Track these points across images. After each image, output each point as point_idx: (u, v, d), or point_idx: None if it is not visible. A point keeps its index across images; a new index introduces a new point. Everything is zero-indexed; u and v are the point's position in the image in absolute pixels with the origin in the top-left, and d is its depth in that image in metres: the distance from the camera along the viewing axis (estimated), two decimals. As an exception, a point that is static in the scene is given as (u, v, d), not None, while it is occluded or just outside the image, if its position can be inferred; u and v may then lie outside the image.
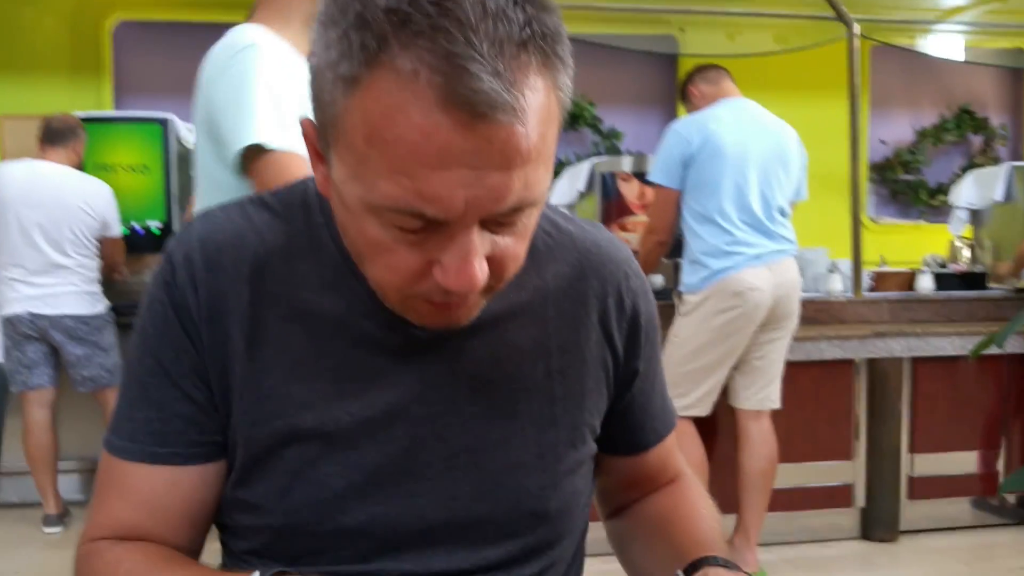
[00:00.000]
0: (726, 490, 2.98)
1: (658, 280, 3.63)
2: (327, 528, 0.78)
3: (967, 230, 4.69)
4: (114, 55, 4.91)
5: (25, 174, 3.53)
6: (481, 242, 0.67)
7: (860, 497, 3.54)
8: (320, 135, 0.70)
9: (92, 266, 3.60)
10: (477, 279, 0.67)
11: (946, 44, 5.79)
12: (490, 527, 0.82)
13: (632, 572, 0.97)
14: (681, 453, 1.02)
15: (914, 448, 3.57)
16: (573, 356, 0.85)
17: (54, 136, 3.60)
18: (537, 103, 0.63)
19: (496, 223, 0.67)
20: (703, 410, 3.00)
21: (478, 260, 0.66)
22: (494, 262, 0.69)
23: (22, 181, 3.51)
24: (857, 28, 3.78)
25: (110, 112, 4.69)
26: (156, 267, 0.81)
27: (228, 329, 0.77)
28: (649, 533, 0.95)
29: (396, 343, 0.79)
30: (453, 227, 0.65)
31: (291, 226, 0.81)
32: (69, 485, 3.84)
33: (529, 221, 0.70)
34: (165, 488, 0.79)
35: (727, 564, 0.79)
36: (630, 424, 0.93)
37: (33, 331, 3.50)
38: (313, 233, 0.81)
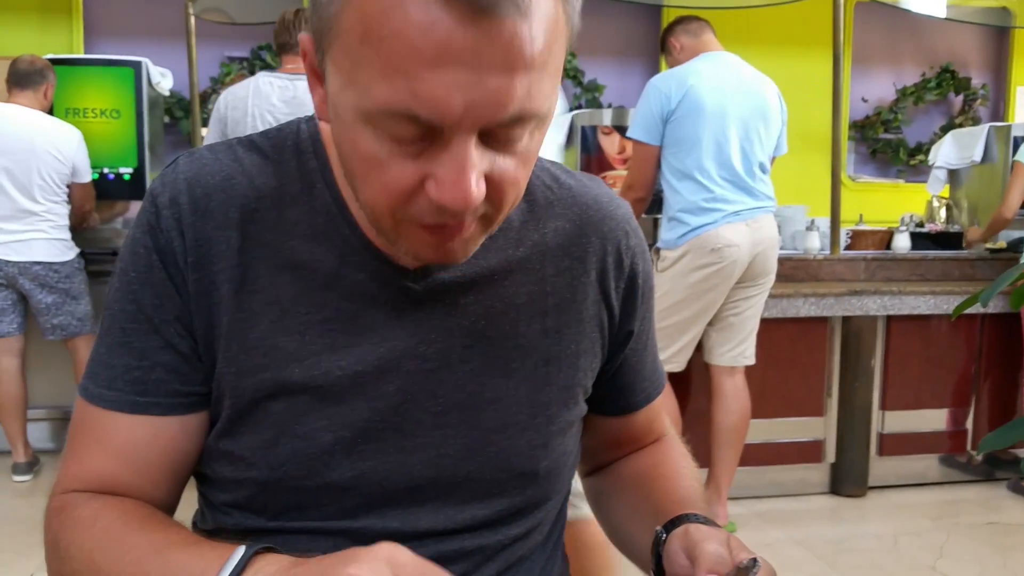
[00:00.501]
0: (698, 445, 3.00)
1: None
2: (313, 483, 0.76)
3: (945, 190, 4.70)
4: (84, -5, 4.78)
5: None
6: (479, 157, 0.63)
7: (830, 453, 3.59)
8: (317, 46, 0.66)
9: (62, 212, 3.53)
10: (472, 194, 0.62)
11: (929, 1, 5.75)
12: (479, 486, 0.80)
13: (610, 529, 0.97)
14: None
15: (885, 405, 3.62)
16: (569, 315, 0.83)
17: (22, 79, 3.50)
18: (544, 7, 0.60)
19: (496, 139, 0.63)
20: (678, 366, 3.01)
21: (474, 174, 0.62)
22: (492, 184, 0.65)
23: None
24: (842, -18, 3.73)
25: (81, 55, 4.57)
26: (140, 208, 0.77)
27: (215, 276, 0.74)
28: (629, 491, 0.94)
29: (389, 296, 0.77)
30: (450, 137, 0.61)
31: (283, 170, 0.78)
32: (38, 433, 3.82)
33: (532, 143, 0.66)
34: (145, 439, 0.76)
35: (706, 521, 0.78)
36: (621, 385, 0.91)
37: (2, 278, 3.44)
38: (306, 178, 0.77)
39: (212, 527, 0.82)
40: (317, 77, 0.69)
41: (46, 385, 3.77)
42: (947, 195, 4.72)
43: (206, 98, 4.88)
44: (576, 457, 0.90)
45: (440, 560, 0.77)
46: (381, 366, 0.77)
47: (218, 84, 4.97)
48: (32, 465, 3.58)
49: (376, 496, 0.78)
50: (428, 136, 0.62)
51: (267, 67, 5.03)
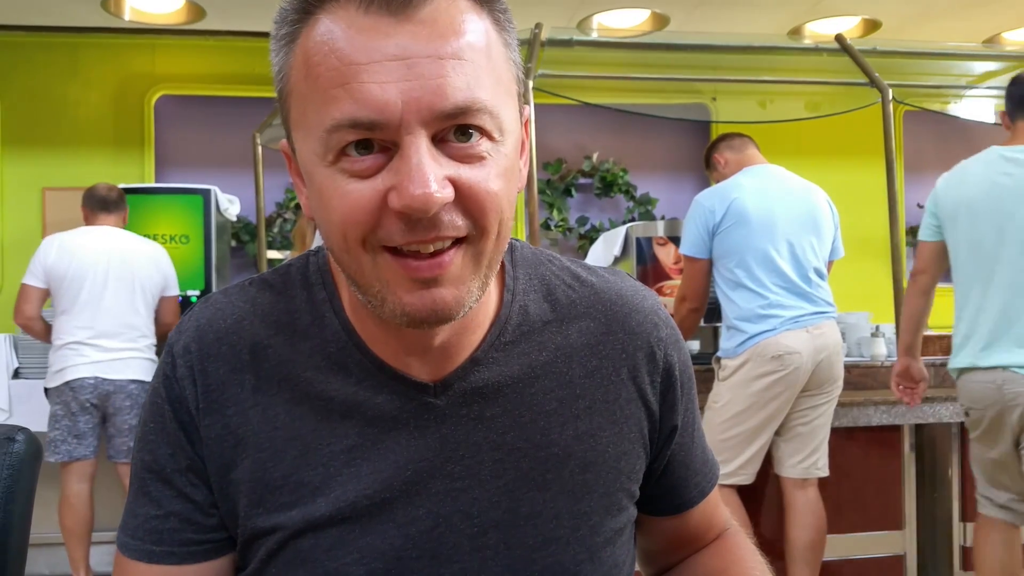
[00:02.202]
0: (773, 563, 2.87)
1: (695, 346, 3.60)
2: None
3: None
4: (156, 128, 5.04)
5: (93, 238, 3.56)
6: (437, 160, 0.65)
7: (912, 568, 3.42)
8: (288, 136, 0.71)
9: (152, 330, 3.61)
10: (431, 187, 0.63)
11: (977, 108, 5.78)
12: None
13: None
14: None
15: (966, 517, 3.46)
16: (603, 417, 0.80)
17: (107, 203, 3.64)
18: (463, 8, 0.66)
19: (452, 145, 0.65)
20: (747, 478, 2.93)
21: (432, 172, 0.63)
22: (463, 193, 0.66)
23: (93, 245, 3.52)
24: (890, 93, 3.78)
25: (152, 184, 4.79)
26: (161, 358, 0.80)
27: (228, 420, 0.75)
28: None
29: (411, 414, 0.75)
30: (401, 143, 0.64)
31: (293, 304, 0.79)
32: (99, 557, 3.81)
33: (500, 156, 0.67)
34: None
35: None
36: (672, 483, 0.88)
37: (94, 398, 3.45)
38: (315, 310, 0.78)
39: None
40: (299, 176, 0.72)
41: (109, 509, 3.79)
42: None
43: (272, 222, 5.05)
44: (631, 567, 0.85)
45: None
46: (408, 490, 0.75)
47: (283, 209, 5.15)
48: (94, 589, 3.57)
49: None
50: (382, 149, 0.65)
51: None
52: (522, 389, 0.78)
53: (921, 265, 2.82)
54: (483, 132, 0.66)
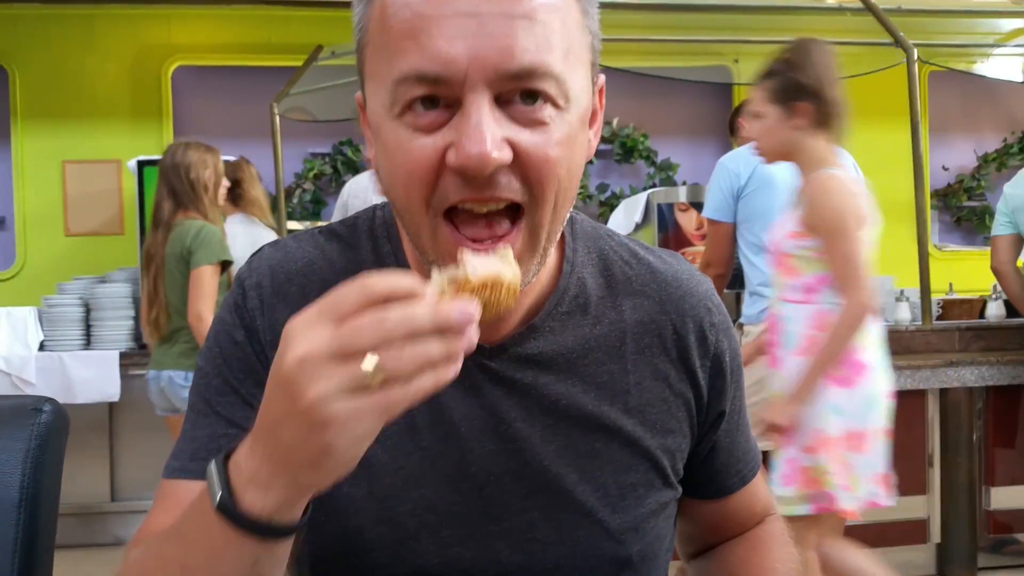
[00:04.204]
0: (796, 527, 2.90)
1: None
2: (400, 570, 0.75)
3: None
4: (173, 99, 5.04)
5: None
6: (498, 121, 0.65)
7: (935, 533, 3.43)
8: (362, 86, 0.72)
9: None
10: (487, 148, 0.63)
11: (1005, 67, 5.68)
12: (569, 573, 0.78)
13: None
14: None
15: (991, 481, 3.46)
16: (652, 394, 0.81)
17: None
18: None
19: (515, 107, 0.66)
20: (768, 444, 2.92)
21: (490, 132, 0.64)
22: (521, 158, 0.66)
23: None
24: (916, 53, 3.72)
25: (171, 155, 4.79)
26: (228, 293, 0.81)
27: None
28: None
29: (466, 374, 0.74)
30: (464, 100, 0.64)
31: (359, 254, 0.80)
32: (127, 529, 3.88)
33: (563, 124, 0.67)
34: None
35: None
36: (714, 468, 0.88)
37: None
38: (380, 261, 0.79)
39: None
40: (369, 129, 0.73)
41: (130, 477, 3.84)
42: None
43: (291, 192, 5.06)
44: (671, 541, 0.87)
45: None
46: (462, 447, 0.76)
47: (302, 179, 5.15)
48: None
49: None
50: (446, 106, 0.65)
51: (348, 162, 5.20)
52: (575, 360, 0.79)
53: (1002, 257, 3.39)
54: (548, 98, 0.66)
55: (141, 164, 4.31)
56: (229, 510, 0.58)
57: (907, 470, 3.39)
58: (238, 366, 0.76)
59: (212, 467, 0.61)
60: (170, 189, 3.09)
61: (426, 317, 0.53)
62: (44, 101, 4.78)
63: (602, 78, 0.76)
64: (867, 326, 2.18)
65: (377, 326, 0.53)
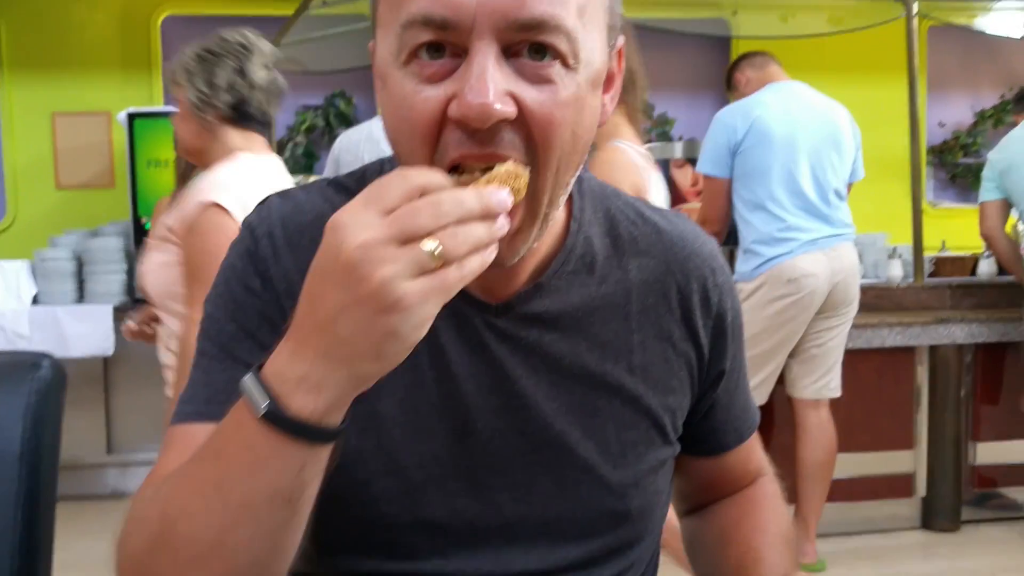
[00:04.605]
0: (784, 481, 2.93)
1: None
2: (406, 520, 0.77)
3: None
4: (163, 50, 4.97)
5: None
6: (504, 73, 0.64)
7: (921, 487, 3.49)
8: (373, 33, 0.71)
9: None
10: (489, 99, 0.62)
11: (1005, 22, 5.63)
12: (569, 525, 0.79)
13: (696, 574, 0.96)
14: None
15: (976, 436, 3.51)
16: (655, 353, 0.82)
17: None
18: None
19: (523, 61, 0.64)
20: (759, 399, 2.96)
21: (493, 83, 0.62)
22: (525, 113, 0.65)
23: None
24: (915, 7, 3.69)
25: (161, 107, 4.75)
26: (235, 240, 0.80)
27: None
28: (712, 546, 0.93)
29: (472, 332, 0.77)
30: (470, 49, 0.63)
31: None
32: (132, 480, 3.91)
33: (572, 84, 0.66)
34: None
35: None
36: (712, 425, 0.90)
37: None
38: None
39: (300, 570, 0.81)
40: (378, 78, 0.71)
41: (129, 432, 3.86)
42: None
43: (283, 146, 5.01)
44: (668, 496, 0.88)
45: None
46: (467, 402, 0.77)
47: (294, 132, 5.11)
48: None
49: (467, 535, 0.77)
50: (451, 53, 0.64)
51: (340, 115, 5.15)
52: (580, 319, 0.80)
53: (990, 223, 3.43)
54: (557, 54, 0.65)
55: (131, 116, 4.26)
56: (278, 417, 0.59)
57: (894, 426, 3.45)
58: (253, 313, 0.76)
59: (248, 381, 0.61)
60: None
61: (474, 201, 0.57)
62: (32, 51, 4.71)
63: (621, 39, 0.74)
64: None
65: (434, 209, 0.56)
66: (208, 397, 0.75)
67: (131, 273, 3.84)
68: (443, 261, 0.56)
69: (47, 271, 3.97)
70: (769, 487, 0.97)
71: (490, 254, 0.59)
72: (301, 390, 0.59)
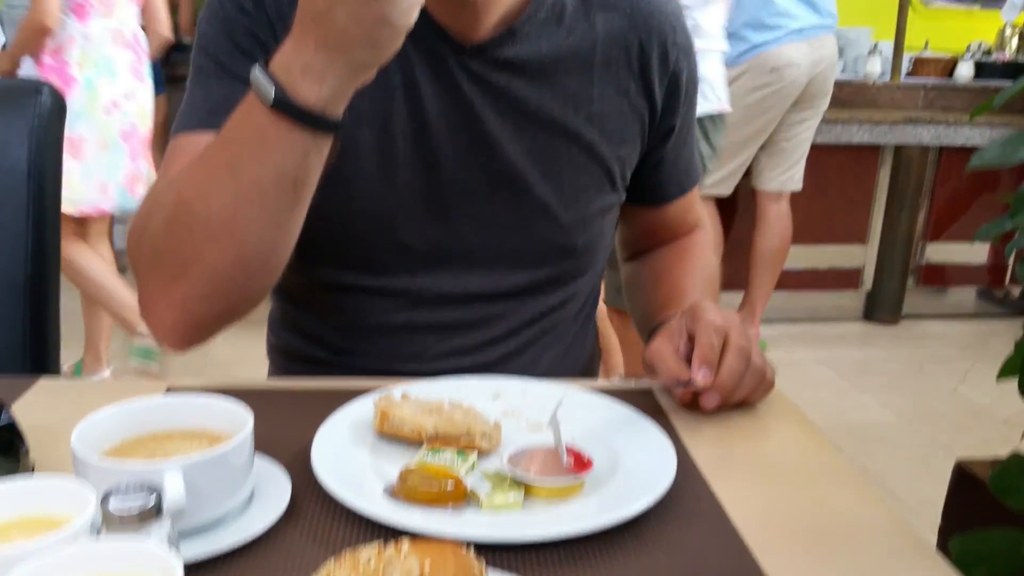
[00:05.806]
0: (739, 269, 3.08)
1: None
2: (378, 240, 0.85)
3: (1021, 17, 4.48)
4: None
5: None
6: None
7: (868, 280, 3.64)
8: None
9: None
10: None
11: None
12: (523, 255, 0.89)
13: (632, 315, 1.06)
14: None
15: (929, 236, 3.62)
16: (613, 105, 0.88)
17: None
18: None
19: None
20: (725, 189, 3.03)
21: None
22: None
23: None
24: None
25: None
26: None
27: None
28: (646, 285, 1.02)
29: (447, 70, 0.82)
30: None
31: None
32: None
33: None
34: None
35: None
36: (658, 177, 0.97)
37: None
38: None
39: (286, 283, 0.88)
40: None
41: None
42: (1023, 23, 4.51)
43: None
44: (611, 240, 0.98)
45: (485, 322, 0.88)
46: (439, 138, 0.83)
47: None
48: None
49: (432, 257, 0.86)
50: None
51: None
52: (547, 67, 0.85)
53: None
54: None
55: None
56: (286, 104, 0.64)
57: (850, 221, 3.56)
58: (247, 32, 0.79)
59: (257, 72, 0.65)
60: None
61: None
62: None
63: None
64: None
65: None
66: (211, 109, 0.79)
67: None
68: None
69: (14, 19, 3.82)
70: (701, 237, 1.06)
71: None
72: (306, 80, 0.63)
